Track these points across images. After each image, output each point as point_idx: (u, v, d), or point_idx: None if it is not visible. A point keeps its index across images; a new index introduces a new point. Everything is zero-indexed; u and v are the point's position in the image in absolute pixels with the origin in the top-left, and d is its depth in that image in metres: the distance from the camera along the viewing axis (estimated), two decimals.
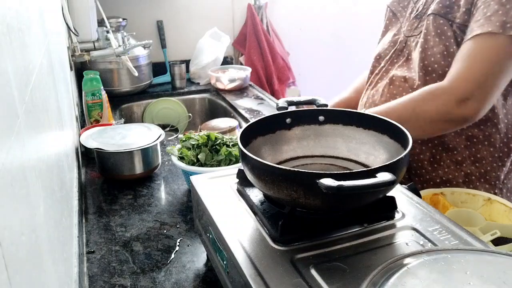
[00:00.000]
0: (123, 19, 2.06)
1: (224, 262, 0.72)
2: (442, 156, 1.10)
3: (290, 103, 0.94)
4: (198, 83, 2.28)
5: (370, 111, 1.02)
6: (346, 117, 0.88)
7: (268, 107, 1.91)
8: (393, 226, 0.71)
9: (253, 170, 0.71)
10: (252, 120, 0.88)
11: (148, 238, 1.02)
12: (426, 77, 1.07)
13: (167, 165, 1.38)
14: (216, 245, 0.75)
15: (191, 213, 1.10)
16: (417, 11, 1.16)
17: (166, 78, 2.30)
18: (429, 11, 1.09)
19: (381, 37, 1.29)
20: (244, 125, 0.89)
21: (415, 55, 1.12)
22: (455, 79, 0.97)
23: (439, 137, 1.09)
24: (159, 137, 1.31)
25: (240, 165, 0.81)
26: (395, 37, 1.20)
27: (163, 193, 1.24)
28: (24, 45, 0.58)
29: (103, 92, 1.58)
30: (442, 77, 1.04)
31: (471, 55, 0.96)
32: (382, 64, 1.22)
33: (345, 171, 0.67)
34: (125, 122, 1.71)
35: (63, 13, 1.50)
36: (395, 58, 1.19)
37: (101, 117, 1.57)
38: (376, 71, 1.23)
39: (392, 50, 1.20)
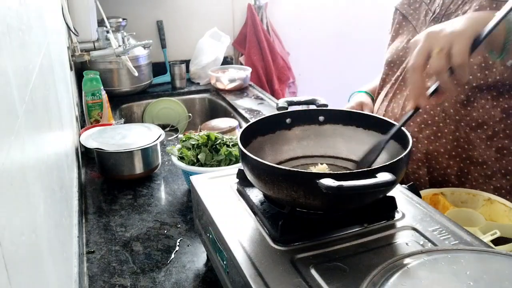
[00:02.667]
0: (123, 19, 2.06)
1: (224, 262, 0.72)
2: (470, 170, 1.05)
3: (290, 103, 0.94)
4: (198, 83, 2.28)
5: None
6: (346, 117, 0.88)
7: (268, 107, 1.91)
8: (393, 226, 0.71)
9: (253, 170, 0.71)
10: (252, 120, 0.88)
11: (148, 238, 1.02)
12: (457, 88, 1.00)
13: (167, 165, 1.38)
14: (216, 245, 0.75)
15: (191, 213, 1.10)
16: (433, 13, 1.10)
17: (166, 78, 2.30)
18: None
19: (390, 41, 1.22)
20: (244, 125, 0.89)
21: None
22: None
23: (467, 150, 1.04)
24: (159, 137, 1.31)
25: (240, 165, 0.81)
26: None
27: (163, 193, 1.24)
28: (24, 45, 0.58)
29: (103, 92, 1.58)
30: (476, 89, 0.99)
31: None
32: (397, 73, 1.16)
33: (345, 171, 0.67)
34: (125, 122, 1.71)
35: (63, 13, 1.50)
36: None
37: (101, 117, 1.57)
38: (392, 81, 1.18)
39: (407, 57, 1.13)
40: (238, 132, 1.53)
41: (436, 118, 1.06)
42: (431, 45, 0.77)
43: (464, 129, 1.04)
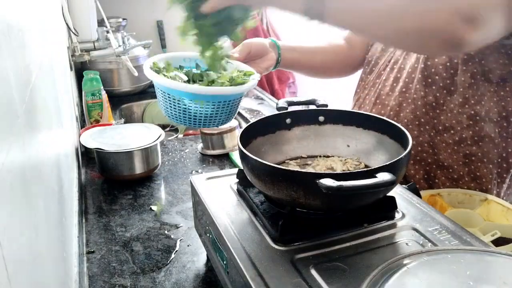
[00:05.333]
0: (123, 19, 2.06)
1: (224, 262, 0.72)
2: (436, 173, 1.05)
3: (290, 103, 0.94)
4: None
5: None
6: (347, 117, 0.88)
7: (268, 107, 1.91)
8: (393, 226, 0.71)
9: (253, 170, 0.71)
10: (252, 120, 0.88)
11: (148, 238, 1.02)
12: (425, 89, 1.02)
13: (167, 165, 1.38)
14: (216, 245, 0.75)
15: (191, 213, 1.10)
16: None
17: None
18: None
19: None
20: (244, 125, 0.89)
21: (409, 66, 1.05)
22: None
23: (432, 154, 1.04)
24: (159, 137, 1.31)
25: (240, 165, 0.81)
26: None
27: (163, 193, 1.24)
28: (24, 45, 0.58)
29: (103, 92, 1.58)
30: (443, 89, 1.00)
31: None
32: (370, 77, 1.16)
33: (345, 171, 0.67)
34: (125, 122, 1.71)
35: (63, 13, 1.50)
36: (382, 70, 1.13)
37: (101, 117, 1.57)
38: (364, 83, 1.17)
39: (382, 61, 1.13)
40: (238, 132, 1.53)
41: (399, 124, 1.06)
42: None
43: (428, 132, 1.03)
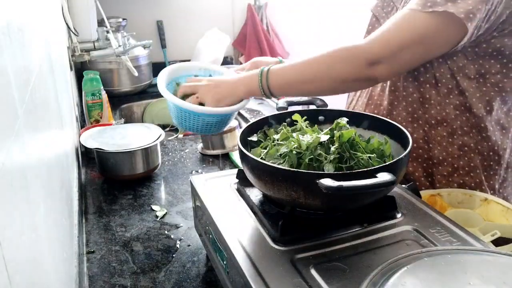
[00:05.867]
0: (123, 19, 2.06)
1: (224, 262, 0.72)
2: (433, 170, 1.06)
3: (290, 103, 0.94)
4: None
5: (278, 67, 0.97)
6: (347, 117, 0.88)
7: (268, 107, 1.91)
8: (393, 226, 0.71)
9: (253, 171, 0.71)
10: (252, 120, 0.88)
11: (148, 238, 1.02)
12: (411, 86, 1.04)
13: (167, 165, 1.38)
14: (216, 245, 0.75)
15: (191, 213, 1.10)
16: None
17: None
18: None
19: None
20: (244, 125, 0.89)
21: None
22: (372, 41, 0.93)
23: (427, 150, 1.05)
24: (159, 137, 1.31)
25: (240, 165, 0.81)
26: None
27: (163, 193, 1.24)
28: (24, 45, 0.58)
29: (103, 92, 1.58)
30: (425, 83, 1.02)
31: (396, 23, 0.92)
32: None
33: (345, 171, 0.67)
34: (125, 122, 1.71)
35: (63, 13, 1.50)
36: None
37: (101, 117, 1.57)
38: None
39: None
40: (238, 132, 1.53)
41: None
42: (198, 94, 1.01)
43: (422, 127, 1.04)
